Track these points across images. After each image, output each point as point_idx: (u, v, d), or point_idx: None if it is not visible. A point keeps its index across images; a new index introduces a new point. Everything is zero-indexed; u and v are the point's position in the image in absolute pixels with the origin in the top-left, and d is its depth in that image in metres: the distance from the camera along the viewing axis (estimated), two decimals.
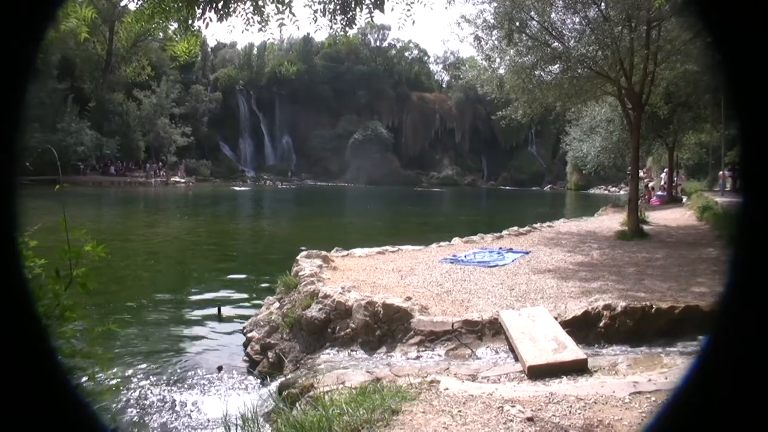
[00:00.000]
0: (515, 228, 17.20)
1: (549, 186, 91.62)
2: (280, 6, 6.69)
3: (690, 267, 10.67)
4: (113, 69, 67.44)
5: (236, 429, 5.23)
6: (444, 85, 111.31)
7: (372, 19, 7.14)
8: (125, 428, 6.82)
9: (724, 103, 20.65)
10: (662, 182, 33.66)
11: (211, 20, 6.53)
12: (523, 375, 5.63)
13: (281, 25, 6.83)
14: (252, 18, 6.87)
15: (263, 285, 13.59)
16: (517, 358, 6.08)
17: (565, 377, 5.38)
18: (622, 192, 60.92)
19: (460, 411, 4.45)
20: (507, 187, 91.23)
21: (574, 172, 73.41)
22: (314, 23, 7.15)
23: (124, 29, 54.61)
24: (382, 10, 7.18)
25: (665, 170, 33.47)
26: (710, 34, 1.18)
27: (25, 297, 1.38)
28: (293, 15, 6.80)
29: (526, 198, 64.62)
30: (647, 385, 4.78)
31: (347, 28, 7.18)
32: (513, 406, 4.43)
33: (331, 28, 7.18)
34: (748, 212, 1.18)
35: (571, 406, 4.42)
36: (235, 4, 6.58)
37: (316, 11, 7.00)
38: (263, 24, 6.91)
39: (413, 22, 7.55)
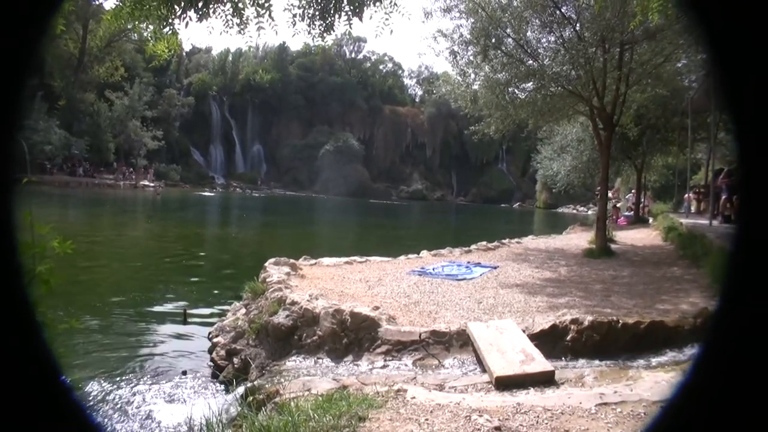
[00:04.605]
0: (484, 243, 17.25)
1: (518, 204, 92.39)
2: (259, 9, 6.67)
3: (655, 285, 10.79)
4: (85, 68, 66.76)
5: None
6: (417, 100, 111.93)
7: (350, 26, 7.17)
8: None
9: (691, 126, 21.08)
10: (629, 203, 34.07)
11: (191, 19, 6.49)
12: (490, 386, 5.63)
13: (260, 28, 6.81)
14: (231, 20, 6.85)
15: (230, 291, 13.45)
16: (484, 370, 6.08)
17: (532, 388, 5.40)
18: (590, 211, 61.63)
19: (427, 419, 4.44)
20: (475, 203, 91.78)
21: (543, 190, 74.16)
22: (293, 27, 7.15)
23: (102, 26, 53.89)
24: (360, 18, 7.20)
25: (632, 191, 33.89)
26: (708, 41, 1.19)
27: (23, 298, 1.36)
28: (272, 19, 6.79)
29: (495, 214, 64.99)
30: (613, 397, 4.82)
31: (325, 34, 7.19)
32: (480, 416, 4.43)
33: (309, 33, 7.18)
34: (746, 220, 1.18)
35: (538, 417, 4.44)
36: (215, 5, 6.55)
37: (295, 15, 7.01)
38: (242, 26, 6.89)
39: (391, 31, 7.55)
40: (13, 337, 1.22)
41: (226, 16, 6.74)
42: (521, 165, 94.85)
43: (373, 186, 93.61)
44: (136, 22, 6.90)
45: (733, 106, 1.16)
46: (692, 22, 1.24)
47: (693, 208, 24.84)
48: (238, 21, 6.79)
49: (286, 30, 7.22)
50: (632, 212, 31.48)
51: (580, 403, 4.72)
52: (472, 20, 14.78)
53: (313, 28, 7.09)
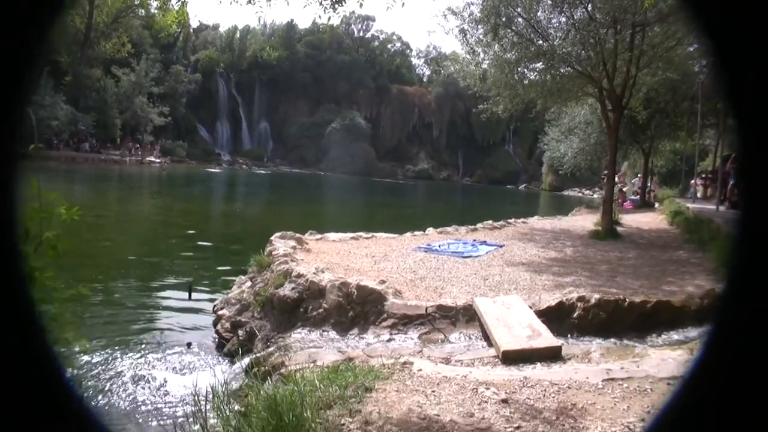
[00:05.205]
0: (490, 222, 17.22)
1: (524, 185, 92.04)
2: None
3: (660, 267, 10.78)
4: (92, 44, 66.37)
5: (206, 403, 5.17)
6: (425, 79, 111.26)
7: None
8: (91, 401, 6.70)
9: (701, 112, 20.93)
10: (635, 187, 34.00)
11: None
12: (497, 360, 5.64)
13: None
14: None
15: (235, 265, 13.44)
16: (490, 344, 6.09)
17: (539, 363, 5.40)
18: (595, 195, 61.42)
19: (434, 391, 4.44)
20: (481, 184, 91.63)
21: (549, 172, 73.76)
22: None
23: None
24: None
25: (638, 176, 33.80)
26: (707, 35, 1.17)
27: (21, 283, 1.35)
28: None
29: (501, 195, 64.85)
30: (620, 373, 4.83)
31: (336, 6, 7.11)
32: (487, 389, 4.43)
33: (320, 4, 7.10)
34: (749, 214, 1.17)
35: (545, 390, 4.45)
36: None
37: None
38: None
39: (403, 3, 7.48)
40: (12, 336, 1.21)
41: None
42: (528, 147, 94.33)
43: (379, 165, 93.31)
44: None
45: (733, 100, 1.15)
46: (691, 15, 1.22)
47: (699, 194, 24.75)
48: None
49: (296, 1, 7.12)
50: (638, 196, 31.40)
51: (587, 378, 4.73)
52: None
53: None
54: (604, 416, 4.01)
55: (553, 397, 4.32)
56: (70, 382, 1.51)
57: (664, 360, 5.21)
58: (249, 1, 6.75)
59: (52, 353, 1.36)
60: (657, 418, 1.37)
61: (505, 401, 4.18)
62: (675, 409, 1.27)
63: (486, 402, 4.18)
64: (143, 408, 6.63)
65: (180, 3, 6.90)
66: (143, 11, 69.93)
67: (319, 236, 12.41)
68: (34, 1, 1.17)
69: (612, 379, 4.68)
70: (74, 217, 3.02)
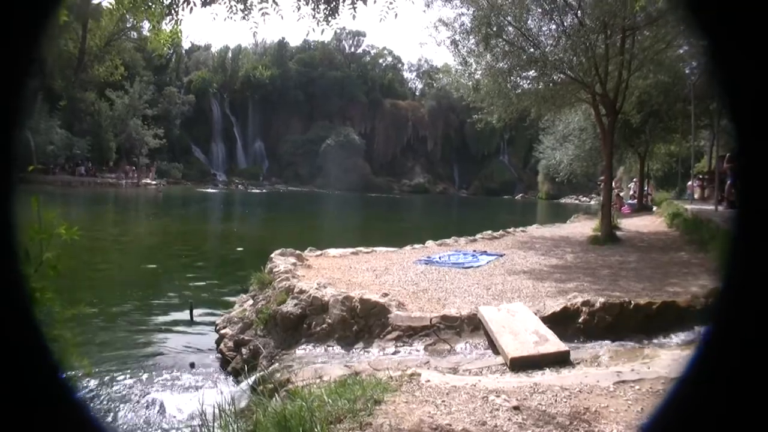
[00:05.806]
0: (489, 232, 17.21)
1: (520, 195, 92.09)
2: None
3: (662, 269, 10.77)
4: (85, 68, 66.59)
5: (213, 423, 5.12)
6: (417, 93, 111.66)
7: (355, 10, 7.08)
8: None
9: (694, 113, 21.01)
10: (631, 192, 34.09)
11: (195, 5, 6.43)
12: (504, 368, 5.60)
13: (264, 13, 6.74)
14: (235, 6, 6.79)
15: (235, 284, 13.41)
16: (497, 352, 6.05)
17: (547, 369, 5.37)
18: (593, 202, 61.49)
19: (444, 401, 4.40)
20: (477, 195, 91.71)
21: (545, 181, 73.92)
22: (297, 11, 7.07)
23: (104, 19, 53.09)
24: (365, 1, 7.14)
25: (634, 180, 33.89)
26: (701, 34, 1.17)
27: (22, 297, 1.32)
28: (276, 3, 6.73)
29: (498, 206, 64.84)
30: (630, 375, 4.79)
31: (330, 18, 7.11)
32: (498, 396, 4.39)
33: (314, 17, 7.10)
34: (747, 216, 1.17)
35: (556, 396, 4.41)
36: None
37: None
38: (246, 12, 6.82)
39: (396, 15, 7.48)
40: (11, 335, 1.19)
41: (229, 1, 6.68)
42: (522, 156, 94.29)
43: (375, 180, 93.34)
44: (140, 9, 6.80)
45: (728, 99, 1.14)
46: (685, 15, 1.22)
47: (696, 195, 24.79)
48: (242, 6, 6.72)
49: (290, 15, 7.11)
50: (635, 200, 31.46)
51: (598, 381, 4.69)
52: (474, 9, 14.71)
53: (318, 12, 7.02)
54: (618, 419, 3.97)
55: (565, 401, 4.29)
56: (82, 402, 1.49)
57: (675, 360, 5.18)
58: (244, 17, 6.75)
59: (60, 374, 1.34)
60: (655, 416, 1.36)
61: (516, 408, 4.14)
62: (673, 406, 1.25)
63: (497, 409, 4.14)
64: (148, 430, 6.57)
65: (173, 22, 6.88)
66: (135, 34, 70.27)
67: (318, 252, 12.39)
68: (25, 18, 1.16)
69: (623, 382, 4.64)
70: (74, 236, 3.00)
